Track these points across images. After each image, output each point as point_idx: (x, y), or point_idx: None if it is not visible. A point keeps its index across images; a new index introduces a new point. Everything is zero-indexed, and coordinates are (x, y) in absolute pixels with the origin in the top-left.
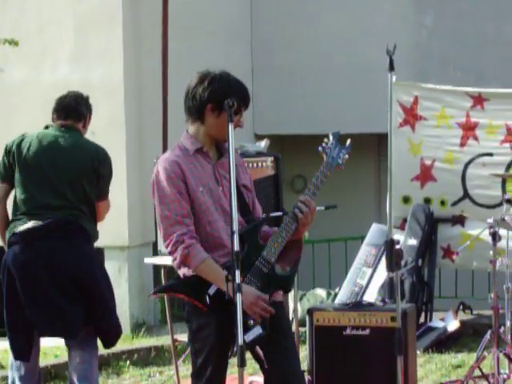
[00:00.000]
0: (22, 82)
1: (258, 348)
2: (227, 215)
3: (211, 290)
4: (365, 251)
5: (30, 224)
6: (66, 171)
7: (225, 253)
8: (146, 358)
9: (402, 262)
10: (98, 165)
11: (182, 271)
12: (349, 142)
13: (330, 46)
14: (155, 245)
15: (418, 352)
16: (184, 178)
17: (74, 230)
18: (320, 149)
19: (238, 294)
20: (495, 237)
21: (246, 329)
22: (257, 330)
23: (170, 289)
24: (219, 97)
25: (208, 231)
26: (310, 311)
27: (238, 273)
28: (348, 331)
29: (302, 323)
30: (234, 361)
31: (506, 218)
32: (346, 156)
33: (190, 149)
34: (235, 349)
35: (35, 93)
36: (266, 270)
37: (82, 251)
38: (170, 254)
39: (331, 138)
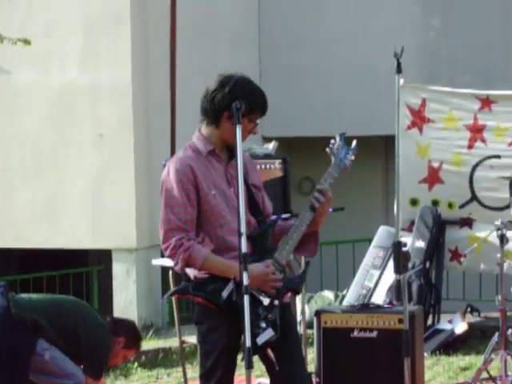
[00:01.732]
0: (29, 84)
1: (269, 351)
2: None
3: (225, 293)
4: (372, 253)
5: None
6: None
7: (236, 255)
8: (153, 360)
9: (410, 264)
10: None
11: (193, 273)
12: (354, 143)
13: (338, 47)
14: None
15: (426, 354)
16: (195, 181)
17: None
18: (327, 150)
19: (245, 297)
20: (503, 239)
21: (259, 331)
22: (268, 333)
23: (183, 292)
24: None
25: (219, 234)
26: (318, 313)
27: (245, 274)
28: (355, 333)
29: (309, 325)
30: (242, 363)
31: None
32: (353, 157)
33: (202, 150)
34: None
35: (43, 94)
36: (277, 272)
37: None
38: (169, 257)
39: (338, 139)
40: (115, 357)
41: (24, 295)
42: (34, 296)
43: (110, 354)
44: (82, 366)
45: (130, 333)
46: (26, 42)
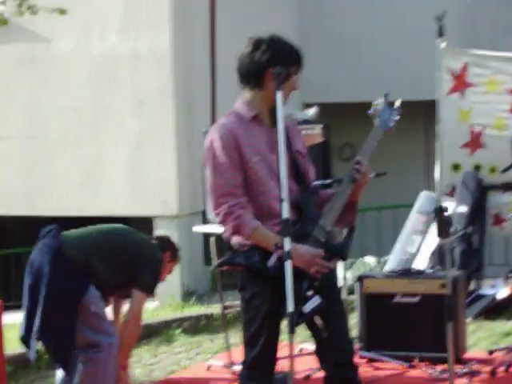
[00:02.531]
0: (70, 52)
1: (316, 318)
2: None
3: (270, 263)
4: (414, 219)
5: None
6: None
7: (279, 222)
8: (196, 326)
9: (452, 230)
10: None
11: (237, 240)
12: (398, 102)
13: (379, 12)
14: (204, 213)
15: (468, 319)
16: (239, 147)
17: None
18: (370, 112)
19: (288, 261)
20: None
21: (306, 299)
22: (316, 300)
23: (231, 262)
24: (279, 60)
25: (261, 200)
26: (360, 279)
27: (287, 240)
28: (398, 298)
29: (351, 291)
30: (284, 328)
31: None
32: (397, 117)
33: (245, 115)
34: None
35: (83, 62)
36: (322, 239)
37: None
38: (220, 223)
39: (380, 100)
40: (164, 271)
41: (72, 233)
42: (82, 233)
43: (161, 268)
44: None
45: (173, 246)
46: (62, 11)
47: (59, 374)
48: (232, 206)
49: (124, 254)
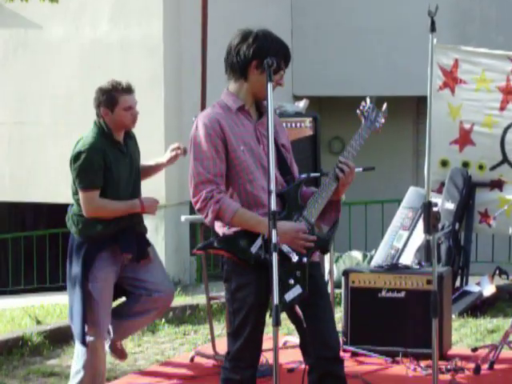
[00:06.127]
0: (61, 39)
1: (297, 308)
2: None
3: (253, 249)
4: (401, 214)
5: None
6: None
7: (264, 212)
8: (181, 317)
9: (439, 226)
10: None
11: (222, 230)
12: (385, 105)
13: (370, 6)
14: (191, 204)
15: (453, 316)
16: (224, 136)
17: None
18: (358, 112)
19: (274, 254)
20: None
21: (287, 288)
22: (297, 290)
23: (212, 246)
24: (264, 54)
25: (248, 189)
26: (346, 273)
27: (274, 232)
28: (383, 293)
29: (337, 285)
30: (269, 320)
31: None
32: (383, 120)
33: (231, 106)
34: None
35: (74, 50)
36: (306, 230)
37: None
38: (199, 211)
39: (368, 101)
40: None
41: None
42: None
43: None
44: None
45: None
46: (53, 0)
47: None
48: (210, 191)
49: None
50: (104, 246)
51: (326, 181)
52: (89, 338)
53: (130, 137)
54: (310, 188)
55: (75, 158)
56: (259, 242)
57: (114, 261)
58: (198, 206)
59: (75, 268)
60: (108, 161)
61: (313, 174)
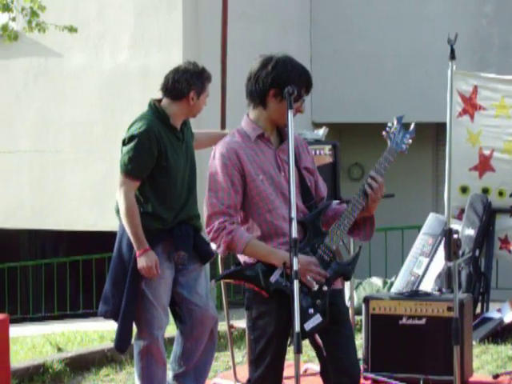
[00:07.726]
0: (81, 67)
1: (317, 336)
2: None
3: (273, 278)
4: (421, 240)
5: None
6: None
7: (285, 241)
8: None
9: (460, 252)
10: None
11: (243, 258)
12: (413, 126)
13: (390, 33)
14: None
15: (474, 343)
16: (241, 166)
17: None
18: (384, 133)
19: (295, 282)
20: None
21: (307, 317)
22: (316, 319)
23: (233, 275)
24: (282, 82)
25: (268, 219)
26: (366, 300)
27: (295, 260)
28: (404, 320)
29: (357, 312)
30: (290, 348)
31: None
32: (410, 141)
33: (251, 135)
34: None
35: (94, 78)
36: (327, 258)
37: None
38: (212, 241)
39: (395, 122)
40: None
41: None
42: None
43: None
44: None
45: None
46: (72, 29)
47: None
48: (223, 221)
49: None
50: (159, 241)
51: (349, 206)
52: (142, 343)
53: (185, 123)
54: (342, 205)
55: (128, 140)
56: (279, 270)
57: (168, 257)
58: (210, 236)
59: (125, 263)
60: (163, 147)
61: (335, 202)
